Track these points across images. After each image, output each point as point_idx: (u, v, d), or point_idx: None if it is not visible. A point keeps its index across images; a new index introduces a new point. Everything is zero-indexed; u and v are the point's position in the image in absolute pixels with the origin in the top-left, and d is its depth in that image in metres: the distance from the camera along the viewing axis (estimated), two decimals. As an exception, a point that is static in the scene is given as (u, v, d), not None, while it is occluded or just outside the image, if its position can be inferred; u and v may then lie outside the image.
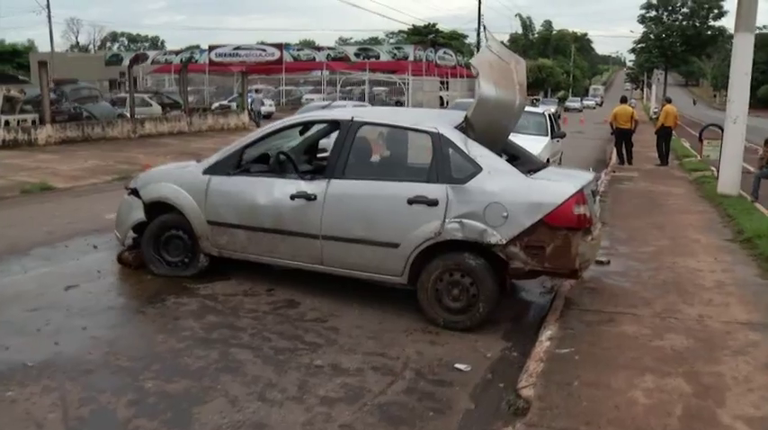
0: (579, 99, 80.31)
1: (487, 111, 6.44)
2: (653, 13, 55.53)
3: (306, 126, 7.74)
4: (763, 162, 13.21)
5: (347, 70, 52.48)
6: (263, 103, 39.01)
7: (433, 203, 6.15)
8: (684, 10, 53.34)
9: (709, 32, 53.78)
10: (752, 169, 15.14)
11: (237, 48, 55.15)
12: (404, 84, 48.64)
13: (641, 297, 6.96)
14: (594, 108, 76.23)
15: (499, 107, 6.49)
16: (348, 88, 52.21)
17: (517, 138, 13.78)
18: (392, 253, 6.34)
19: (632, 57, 76.60)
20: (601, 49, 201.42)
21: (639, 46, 59.83)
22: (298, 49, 56.51)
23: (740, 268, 8.19)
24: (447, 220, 6.10)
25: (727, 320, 6.29)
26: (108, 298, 6.89)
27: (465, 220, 6.06)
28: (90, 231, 9.65)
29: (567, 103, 67.66)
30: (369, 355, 5.63)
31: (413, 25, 79.83)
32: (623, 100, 22.52)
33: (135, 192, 7.64)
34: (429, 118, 6.96)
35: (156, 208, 7.52)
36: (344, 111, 7.89)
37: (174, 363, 5.34)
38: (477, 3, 57.68)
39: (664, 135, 20.99)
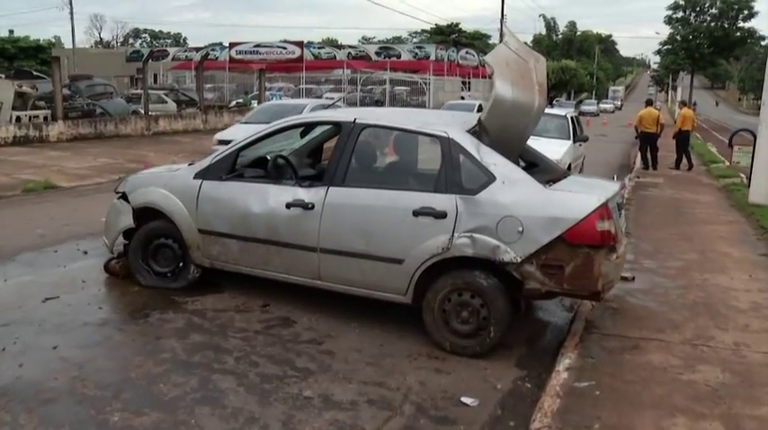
0: (596, 102, 76.38)
1: (503, 114, 5.85)
2: (680, 14, 54.39)
3: (307, 127, 7.18)
4: (799, 170, 12.49)
5: (368, 69, 51.84)
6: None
7: (441, 216, 5.58)
8: (713, 11, 52.09)
9: (738, 34, 52.54)
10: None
11: (258, 45, 54.66)
12: (425, 83, 47.94)
13: (669, 319, 6.35)
14: (613, 112, 71.72)
15: (516, 109, 5.89)
16: (369, 87, 51.61)
17: (538, 142, 13.28)
18: (395, 269, 5.77)
19: (657, 58, 75.26)
20: (625, 50, 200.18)
21: (665, 47, 58.63)
22: (318, 47, 55.84)
23: (778, 288, 7.55)
24: (456, 235, 5.52)
25: (767, 351, 5.66)
26: (87, 312, 6.34)
27: (476, 235, 5.48)
28: (84, 235, 9.16)
29: (583, 107, 63.58)
30: (365, 385, 5.07)
31: (435, 25, 79.10)
32: (649, 102, 21.85)
33: (124, 197, 7.12)
34: (439, 121, 6.37)
35: (146, 214, 7.00)
36: (347, 112, 7.30)
37: (147, 392, 4.79)
38: (500, 2, 56.65)
39: (681, 139, 20.38)
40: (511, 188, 5.49)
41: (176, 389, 4.84)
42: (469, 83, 53.88)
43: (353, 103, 48.04)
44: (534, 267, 5.39)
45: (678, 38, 54.91)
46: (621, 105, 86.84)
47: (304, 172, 6.64)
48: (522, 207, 5.41)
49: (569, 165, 13.15)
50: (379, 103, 31.57)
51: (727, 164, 20.24)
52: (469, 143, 5.72)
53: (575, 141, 14.06)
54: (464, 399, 4.89)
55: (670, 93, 78.75)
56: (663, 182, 16.98)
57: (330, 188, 6.09)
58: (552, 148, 12.90)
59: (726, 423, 4.38)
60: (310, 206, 6.08)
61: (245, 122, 16.57)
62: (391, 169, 6.78)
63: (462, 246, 5.51)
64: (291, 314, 6.42)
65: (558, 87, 75.91)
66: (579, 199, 5.51)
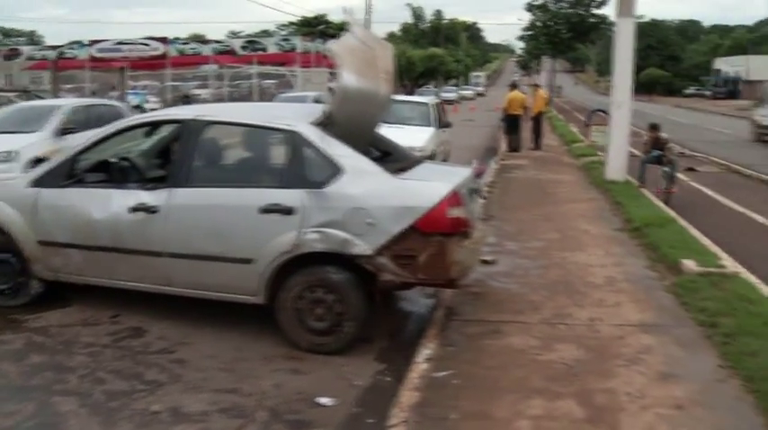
0: (455, 88, 73.64)
1: (350, 103, 5.70)
2: (540, 1, 56.20)
3: (152, 127, 6.79)
4: (648, 147, 13.01)
5: (234, 64, 50.87)
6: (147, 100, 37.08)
7: (289, 212, 5.37)
8: (570, -2, 54.33)
9: (592, 20, 54.75)
10: (639, 154, 14.97)
11: (120, 43, 52.56)
12: (293, 76, 47.46)
13: (529, 301, 6.39)
14: (473, 99, 69.88)
15: (362, 98, 5.75)
16: (237, 82, 50.66)
17: (402, 130, 13.36)
18: (246, 270, 5.53)
19: (521, 44, 77.33)
20: (491, 37, 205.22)
21: (527, 33, 60.45)
22: (183, 43, 54.25)
23: (630, 261, 7.76)
24: (305, 230, 5.33)
25: (620, 323, 5.77)
26: None
27: (325, 230, 5.31)
28: None
29: (442, 94, 58.20)
30: (218, 393, 4.81)
31: (303, 17, 78.52)
32: (513, 86, 22.31)
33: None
34: (285, 114, 6.15)
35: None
36: (188, 108, 6.98)
37: (-28, 426, 4.37)
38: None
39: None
40: (359, 179, 5.35)
41: (8, 419, 4.42)
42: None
43: (221, 98, 47.13)
44: (387, 259, 5.27)
45: (538, 24, 56.67)
46: (485, 91, 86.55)
47: (152, 173, 6.27)
48: (371, 198, 5.28)
49: (433, 151, 13.21)
50: (186, 99, 28.83)
51: (586, 143, 20.94)
52: (315, 135, 5.54)
53: (438, 128, 14.13)
54: (320, 400, 4.72)
55: (534, 77, 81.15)
56: (526, 163, 17.38)
57: (174, 189, 5.77)
58: (415, 136, 12.95)
59: (579, 399, 4.40)
60: (154, 209, 5.74)
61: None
62: (237, 166, 6.51)
63: (312, 241, 5.33)
64: (143, 323, 6.06)
65: (426, 75, 76.77)
66: (429, 187, 5.43)
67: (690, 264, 6.96)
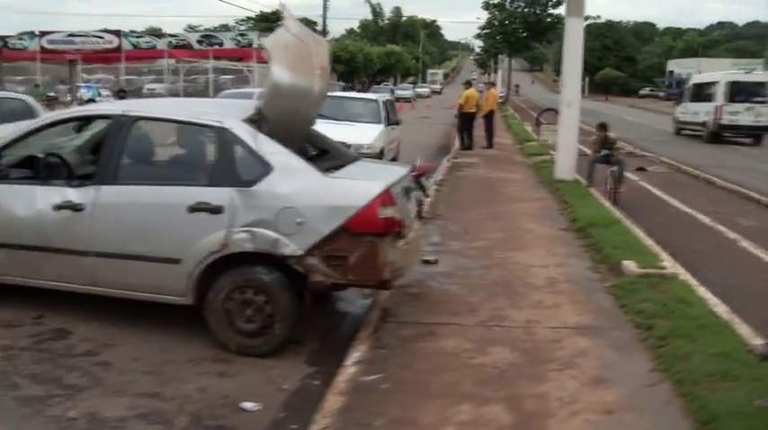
0: (411, 86, 69.80)
1: (282, 100, 5.54)
2: (496, 0, 56.57)
3: (85, 121, 6.54)
4: (597, 146, 12.99)
5: (190, 58, 50.23)
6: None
7: (217, 211, 5.18)
8: (527, -3, 54.72)
9: (549, 19, 55.22)
10: (590, 153, 15.02)
11: (72, 34, 51.52)
12: (249, 71, 47.01)
13: (467, 302, 6.28)
14: (429, 96, 67.17)
15: (295, 94, 5.58)
16: (193, 77, 50.05)
17: (351, 127, 13.25)
18: (173, 270, 5.32)
19: (480, 43, 77.48)
20: (450, 35, 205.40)
21: (485, 32, 60.76)
22: (137, 37, 53.43)
23: (573, 261, 7.71)
24: (234, 230, 5.15)
25: (556, 325, 5.69)
26: None
27: (254, 229, 5.13)
28: None
29: (397, 92, 56.89)
30: (139, 397, 4.61)
31: (261, 12, 77.84)
32: (468, 84, 22.27)
33: None
34: (215, 110, 5.95)
35: None
36: (117, 104, 6.74)
37: None
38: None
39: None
40: (289, 178, 5.19)
41: None
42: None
43: (176, 93, 46.46)
44: (317, 259, 5.12)
45: (495, 23, 57.00)
46: (441, 89, 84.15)
47: (81, 170, 6.02)
48: (301, 197, 5.12)
49: (382, 149, 13.09)
50: (122, 94, 27.55)
51: (538, 142, 20.99)
52: (245, 132, 5.35)
53: (387, 125, 14.00)
54: (244, 405, 4.54)
55: (492, 75, 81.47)
56: (478, 162, 17.34)
57: (101, 187, 5.54)
58: (364, 133, 12.83)
59: (508, 405, 4.29)
60: (80, 207, 5.51)
61: None
62: (166, 164, 6.29)
63: (241, 241, 5.15)
64: (67, 325, 5.80)
65: (384, 72, 76.73)
66: (360, 186, 5.29)
67: (630, 266, 6.92)
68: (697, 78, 32.33)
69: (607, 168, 12.60)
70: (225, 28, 77.28)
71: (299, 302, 5.30)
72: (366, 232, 5.08)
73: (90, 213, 5.50)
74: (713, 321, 5.53)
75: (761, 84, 27.37)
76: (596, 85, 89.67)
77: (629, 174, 16.05)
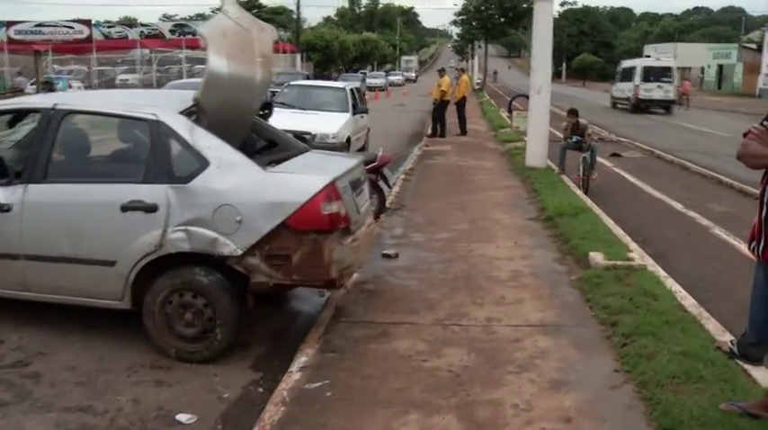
0: (384, 74, 65.81)
1: (220, 90, 5.18)
2: (472, -14, 56.27)
3: (16, 116, 6.12)
4: (568, 132, 12.71)
5: (163, 48, 49.51)
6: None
7: (152, 209, 4.83)
8: (502, -17, 54.25)
9: (525, 5, 54.87)
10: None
11: (40, 24, 50.54)
12: (223, 60, 46.33)
13: (426, 299, 5.97)
14: (402, 85, 63.23)
15: (234, 84, 5.22)
16: (166, 67, 49.35)
17: (316, 116, 12.92)
18: (108, 272, 4.97)
19: (457, 29, 76.80)
20: (428, 22, 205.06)
21: (460, 18, 60.31)
22: (109, 26, 52.62)
23: (539, 253, 7.43)
24: (169, 229, 4.80)
25: (518, 323, 5.40)
26: None
27: (191, 228, 4.79)
28: None
29: (369, 80, 54.41)
30: (68, 412, 4.27)
31: (236, 0, 76.91)
32: (442, 71, 21.99)
33: None
34: (150, 102, 5.55)
35: None
36: (47, 97, 6.34)
37: None
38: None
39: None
40: (226, 173, 4.84)
41: None
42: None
43: (149, 84, 45.79)
44: (258, 259, 4.79)
45: (471, 8, 56.59)
46: (417, 77, 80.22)
47: (13, 168, 5.61)
48: (240, 193, 4.78)
49: (348, 138, 12.76)
50: (48, 86, 25.75)
51: (510, 129, 20.70)
52: (181, 125, 4.99)
53: (354, 114, 13.65)
54: (179, 417, 4.22)
55: (470, 62, 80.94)
56: (449, 149, 17.04)
57: (29, 186, 5.16)
58: (330, 122, 12.52)
59: (460, 413, 4.00)
60: (7, 208, 5.13)
61: None
62: (98, 160, 5.90)
63: (177, 241, 4.81)
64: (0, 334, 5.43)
65: (360, 59, 76.06)
66: (302, 180, 4.95)
67: (597, 257, 6.65)
68: (624, 64, 39.75)
69: (579, 155, 12.33)
70: (201, 17, 76.23)
71: (241, 304, 4.97)
72: (309, 229, 4.76)
73: (18, 214, 5.12)
74: (680, 316, 5.26)
75: (667, 68, 36.06)
76: (573, 70, 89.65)
77: (603, 161, 15.91)
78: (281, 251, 4.78)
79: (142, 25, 54.56)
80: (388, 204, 9.82)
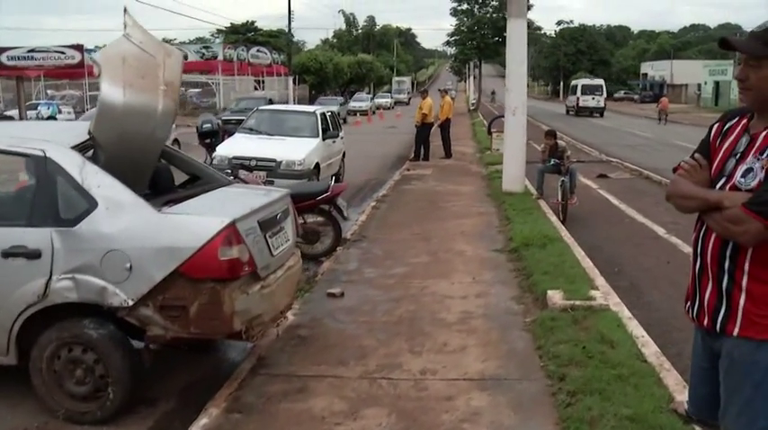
0: (369, 97, 60.67)
1: (115, 122, 4.63)
2: (465, 6, 55.87)
3: None
4: (546, 155, 12.14)
5: (155, 72, 49.14)
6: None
7: (35, 255, 4.29)
8: (494, 2, 53.83)
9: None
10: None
11: (32, 50, 50.25)
12: (214, 84, 46.06)
13: (360, 346, 5.40)
14: (391, 108, 59.44)
15: (131, 115, 4.66)
16: (158, 90, 48.97)
17: (283, 142, 12.40)
18: None
19: (452, 50, 76.29)
20: (428, 43, 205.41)
21: (453, 38, 59.94)
22: (100, 51, 52.31)
23: (497, 290, 6.85)
24: (54, 277, 4.26)
25: (455, 377, 4.82)
26: None
27: (78, 276, 4.25)
28: None
29: (353, 103, 52.24)
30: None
31: (231, 24, 76.87)
32: (424, 93, 21.56)
33: None
34: (43, 135, 4.97)
35: None
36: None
37: None
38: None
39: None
40: (116, 215, 4.30)
41: None
42: (263, 81, 52.31)
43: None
44: (152, 310, 4.25)
45: (464, 29, 56.24)
46: (409, 99, 73.65)
47: None
48: (130, 237, 4.24)
49: (317, 164, 12.24)
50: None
51: (490, 151, 20.13)
52: (70, 161, 4.44)
53: (325, 138, 13.13)
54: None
55: (467, 82, 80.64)
56: (430, 173, 16.52)
57: None
58: (296, 148, 12.04)
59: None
60: None
61: None
62: None
63: (63, 290, 4.26)
64: None
65: (356, 81, 75.73)
66: (197, 223, 4.39)
67: (555, 297, 6.07)
68: (572, 83, 59.83)
69: (558, 178, 11.76)
70: (200, 41, 75.93)
71: (137, 359, 4.41)
72: (205, 277, 4.22)
73: None
74: (637, 368, 4.67)
75: (599, 85, 53.36)
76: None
77: (589, 182, 15.41)
78: (176, 301, 4.24)
79: (134, 49, 54.22)
80: (349, 235, 9.29)
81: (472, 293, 6.71)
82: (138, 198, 4.39)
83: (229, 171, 7.85)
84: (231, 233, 4.29)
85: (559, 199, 11.29)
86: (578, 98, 51.90)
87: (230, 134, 13.33)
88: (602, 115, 50.37)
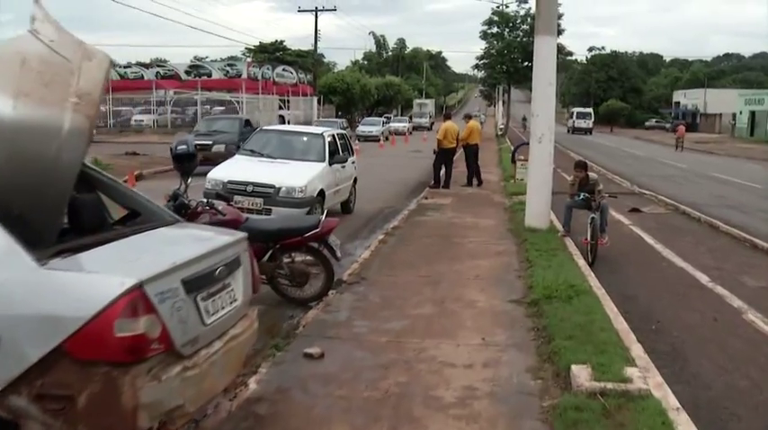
0: (382, 121, 53.91)
1: (2, 142, 3.52)
2: (495, 30, 54.76)
3: None
4: (575, 188, 10.87)
5: (179, 89, 48.71)
6: None
7: None
8: (525, 27, 52.65)
9: (549, 49, 53.39)
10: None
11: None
12: (238, 103, 45.32)
13: (328, 435, 4.21)
14: (409, 133, 53.93)
15: (25, 133, 3.55)
16: (182, 108, 48.59)
17: (285, 166, 11.27)
18: None
19: (481, 73, 75.10)
20: (458, 67, 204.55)
21: (482, 62, 58.75)
22: (124, 67, 51.98)
23: (511, 357, 5.62)
24: None
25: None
26: None
27: None
28: None
29: (361, 127, 49.37)
30: None
31: (260, 42, 76.54)
32: (447, 116, 20.48)
33: None
34: None
35: None
36: None
37: None
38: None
39: (469, 154, 19.30)
40: None
41: None
42: (288, 101, 51.51)
43: (164, 124, 44.82)
44: (26, 400, 3.09)
45: (493, 52, 55.12)
46: (431, 124, 67.63)
47: None
48: None
49: (322, 191, 11.11)
50: None
51: (514, 181, 18.89)
52: None
53: (332, 163, 12.00)
54: None
55: (496, 107, 79.58)
56: (449, 203, 15.31)
57: None
58: (298, 173, 10.95)
59: None
60: None
61: None
62: None
63: None
64: None
65: (383, 103, 75.03)
66: (91, 284, 3.21)
67: (582, 375, 4.82)
68: (571, 111, 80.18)
69: (588, 214, 10.50)
70: (233, 59, 75.48)
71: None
72: (97, 359, 3.05)
73: None
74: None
75: (588, 112, 75.58)
76: (601, 116, 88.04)
77: (621, 217, 14.18)
78: (59, 389, 3.09)
79: (158, 65, 53.82)
80: (346, 275, 8.12)
81: (479, 361, 5.48)
82: (14, 244, 3.20)
83: (205, 201, 6.71)
84: (136, 299, 3.12)
85: (588, 238, 10.04)
86: (574, 121, 75.23)
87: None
88: (590, 133, 71.20)
